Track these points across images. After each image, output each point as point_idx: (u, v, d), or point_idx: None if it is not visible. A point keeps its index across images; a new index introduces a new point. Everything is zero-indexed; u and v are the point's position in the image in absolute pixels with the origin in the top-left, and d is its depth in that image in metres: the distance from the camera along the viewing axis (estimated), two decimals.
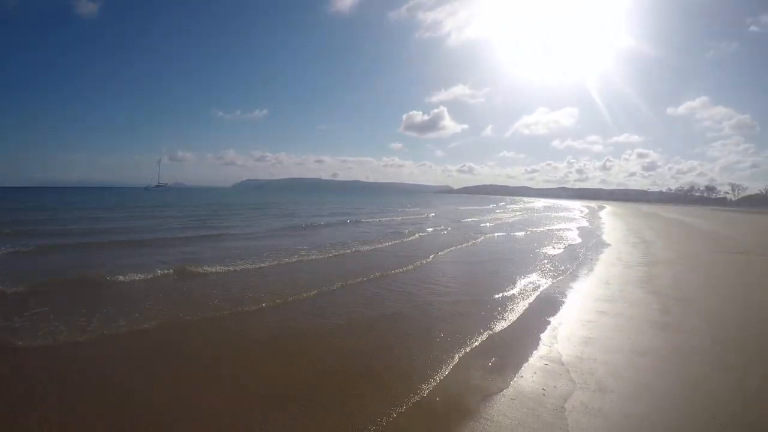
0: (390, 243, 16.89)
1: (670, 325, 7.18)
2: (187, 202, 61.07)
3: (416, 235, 20.26)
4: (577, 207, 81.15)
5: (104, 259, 12.18)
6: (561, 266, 13.17)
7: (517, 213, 49.60)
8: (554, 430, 3.98)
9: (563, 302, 8.70)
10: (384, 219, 31.95)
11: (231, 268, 10.98)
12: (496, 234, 22.90)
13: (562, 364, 5.50)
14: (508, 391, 4.71)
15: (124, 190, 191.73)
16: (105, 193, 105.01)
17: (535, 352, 5.94)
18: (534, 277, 11.31)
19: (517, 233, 23.94)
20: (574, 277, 11.38)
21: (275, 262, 12.01)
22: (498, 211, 55.42)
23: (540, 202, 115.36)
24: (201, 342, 6.14)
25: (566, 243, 19.83)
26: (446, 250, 15.39)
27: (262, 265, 11.65)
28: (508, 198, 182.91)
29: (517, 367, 5.35)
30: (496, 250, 16.82)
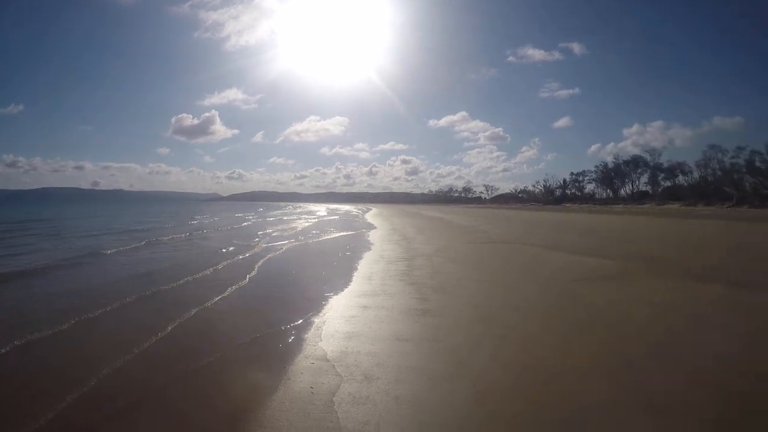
0: (210, 271, 14.00)
1: (429, 311, 8.37)
2: None
3: (236, 257, 18.05)
4: (351, 210, 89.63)
5: None
6: (329, 267, 14.39)
7: (304, 220, 50.50)
8: (325, 423, 4.33)
9: (327, 302, 9.38)
10: (182, 235, 28.37)
11: None
12: (291, 243, 23.28)
13: (328, 360, 5.99)
14: (277, 395, 4.95)
15: None
16: None
17: (300, 353, 6.33)
18: (308, 281, 12.23)
19: (308, 240, 24.60)
20: (338, 276, 12.35)
21: (69, 324, 7.96)
22: (286, 218, 56.91)
23: (317, 207, 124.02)
24: None
25: (341, 245, 21.89)
26: (256, 268, 14.72)
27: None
28: (288, 205, 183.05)
29: (284, 371, 5.64)
30: (289, 261, 16.82)
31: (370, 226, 35.84)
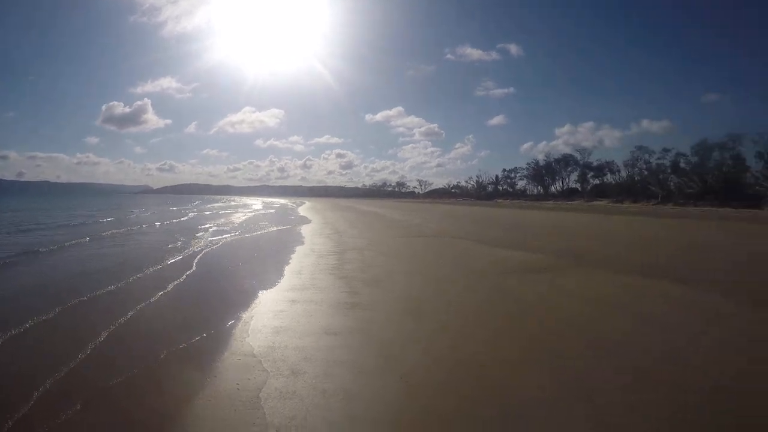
0: (149, 269, 12.84)
1: (359, 304, 8.45)
2: None
3: (174, 253, 16.64)
4: (286, 203, 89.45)
5: None
6: (262, 262, 14.37)
7: (241, 214, 49.43)
8: (252, 419, 4.27)
9: (257, 297, 9.27)
10: (122, 230, 26.15)
11: None
12: (228, 238, 22.83)
13: (255, 356, 5.91)
14: (204, 393, 4.84)
15: None
16: None
17: (227, 349, 6.21)
18: (240, 276, 12.06)
19: (244, 235, 24.05)
20: (270, 270, 12.29)
21: (23, 327, 7.55)
22: (222, 212, 55.77)
23: (252, 200, 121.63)
24: None
25: (275, 239, 21.91)
26: (195, 264, 14.24)
27: None
28: (223, 198, 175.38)
29: (211, 369, 5.52)
30: (224, 256, 16.39)
31: (304, 220, 35.75)
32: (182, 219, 40.42)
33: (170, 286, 10.40)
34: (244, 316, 7.88)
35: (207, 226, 31.54)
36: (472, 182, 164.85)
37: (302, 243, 19.16)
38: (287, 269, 12.42)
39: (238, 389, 4.93)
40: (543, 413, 4.46)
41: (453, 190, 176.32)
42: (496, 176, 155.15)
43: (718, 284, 10.43)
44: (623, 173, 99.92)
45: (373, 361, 5.71)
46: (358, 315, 7.79)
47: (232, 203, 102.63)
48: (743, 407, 4.61)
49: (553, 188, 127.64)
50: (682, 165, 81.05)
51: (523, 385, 5.10)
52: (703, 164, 74.12)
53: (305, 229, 26.43)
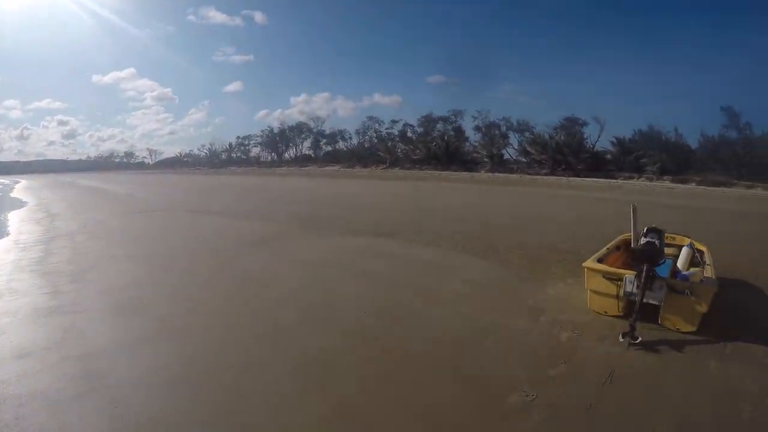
0: None
1: (60, 308, 7.24)
2: None
3: None
4: (5, 182, 74.67)
5: None
6: None
7: None
8: None
9: None
10: None
11: None
12: None
13: None
14: None
15: None
16: None
17: None
18: None
19: None
20: None
21: None
22: None
23: None
24: None
25: None
26: None
27: None
28: None
29: None
30: None
31: (15, 204, 30.45)
32: None
33: None
34: None
35: None
36: (204, 150, 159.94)
37: (6, 234, 16.02)
38: None
39: None
40: (261, 383, 4.44)
41: (185, 159, 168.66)
42: (230, 144, 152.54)
43: (450, 240, 11.81)
44: (354, 141, 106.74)
45: (74, 384, 4.87)
46: (58, 323, 6.62)
47: None
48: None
49: (287, 155, 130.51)
50: (409, 134, 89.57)
51: (249, 360, 5.21)
52: (428, 134, 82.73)
53: (13, 216, 22.26)
